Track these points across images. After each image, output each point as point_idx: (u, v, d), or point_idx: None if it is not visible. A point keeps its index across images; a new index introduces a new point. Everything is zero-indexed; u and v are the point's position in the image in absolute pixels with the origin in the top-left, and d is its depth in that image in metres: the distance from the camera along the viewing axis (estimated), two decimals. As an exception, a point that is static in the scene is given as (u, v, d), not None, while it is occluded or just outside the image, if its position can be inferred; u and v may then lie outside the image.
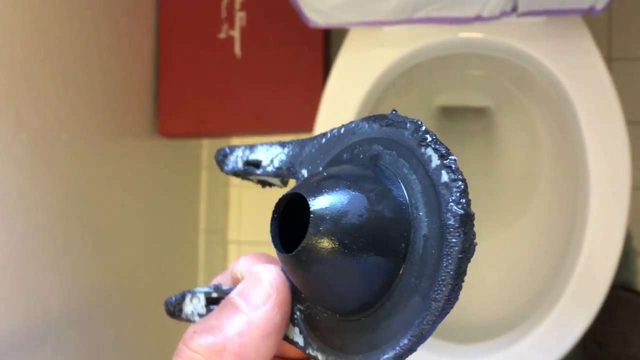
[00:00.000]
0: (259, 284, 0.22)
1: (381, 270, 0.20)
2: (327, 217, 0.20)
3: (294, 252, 0.21)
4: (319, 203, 0.20)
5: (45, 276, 0.72)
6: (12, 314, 0.67)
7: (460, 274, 0.19)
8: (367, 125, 0.23)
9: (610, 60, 1.08)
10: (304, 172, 0.26)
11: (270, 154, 0.28)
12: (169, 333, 1.03)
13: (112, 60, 0.88)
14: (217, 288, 0.27)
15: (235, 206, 1.23)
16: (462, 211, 0.19)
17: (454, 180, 0.19)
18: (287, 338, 0.23)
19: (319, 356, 0.22)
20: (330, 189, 0.21)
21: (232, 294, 0.22)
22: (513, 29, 0.71)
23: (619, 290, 0.98)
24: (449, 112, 0.98)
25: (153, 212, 0.99)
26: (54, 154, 0.75)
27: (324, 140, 0.25)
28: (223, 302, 0.22)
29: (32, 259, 0.70)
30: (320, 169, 0.25)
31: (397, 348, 0.20)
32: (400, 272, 0.20)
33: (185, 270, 1.10)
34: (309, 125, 0.83)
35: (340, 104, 0.75)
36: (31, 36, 0.72)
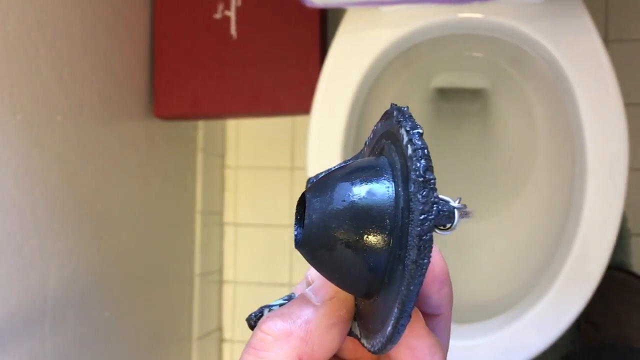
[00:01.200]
0: (328, 282, 0.24)
1: (374, 248, 0.21)
2: (317, 207, 0.22)
3: (299, 245, 0.23)
4: (312, 196, 0.22)
5: (42, 258, 0.72)
6: (10, 296, 0.67)
7: (422, 235, 0.20)
8: (379, 125, 0.25)
9: (606, 41, 1.08)
10: None
11: None
12: (165, 314, 1.03)
13: (107, 41, 0.87)
14: (290, 298, 0.29)
15: (231, 188, 1.23)
16: (420, 178, 0.20)
17: (414, 150, 0.21)
18: (350, 332, 0.25)
19: (365, 343, 0.23)
20: (324, 183, 0.23)
21: (305, 290, 0.25)
22: (512, 9, 0.70)
23: (613, 271, 0.99)
24: (445, 94, 0.97)
25: (149, 194, 0.99)
26: (49, 135, 0.74)
27: (365, 149, 0.27)
28: (297, 297, 0.25)
29: (28, 241, 0.70)
30: None
31: (393, 318, 0.21)
32: (390, 246, 0.22)
33: (182, 252, 1.10)
34: (306, 107, 0.83)
35: (337, 85, 0.74)
36: (25, 17, 0.71)
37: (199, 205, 1.14)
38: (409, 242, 0.20)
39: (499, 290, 0.81)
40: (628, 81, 1.04)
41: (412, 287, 0.20)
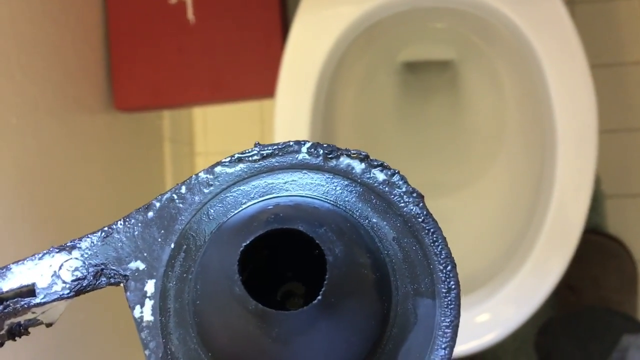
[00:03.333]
0: None
1: (388, 289, 0.18)
2: (333, 239, 0.17)
3: (320, 301, 0.16)
4: (312, 227, 0.17)
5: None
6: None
7: (450, 256, 0.18)
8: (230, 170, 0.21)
9: (572, 3, 1.07)
10: (138, 265, 0.21)
11: (44, 268, 0.20)
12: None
13: (58, 35, 0.83)
14: None
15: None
16: (420, 197, 0.18)
17: (393, 175, 0.19)
18: None
19: None
20: (310, 215, 0.18)
21: None
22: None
23: (589, 234, 0.99)
24: (412, 67, 0.96)
25: (116, 190, 0.96)
26: (3, 139, 0.71)
27: (151, 214, 0.21)
28: None
29: (-9, 249, 0.67)
30: (172, 245, 0.20)
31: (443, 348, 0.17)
32: (392, 288, 0.18)
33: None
34: (270, 90, 0.81)
35: (301, 66, 0.72)
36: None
37: (169, 197, 1.11)
38: (444, 264, 0.18)
39: (476, 264, 0.81)
40: (596, 42, 1.04)
41: (459, 314, 0.18)
